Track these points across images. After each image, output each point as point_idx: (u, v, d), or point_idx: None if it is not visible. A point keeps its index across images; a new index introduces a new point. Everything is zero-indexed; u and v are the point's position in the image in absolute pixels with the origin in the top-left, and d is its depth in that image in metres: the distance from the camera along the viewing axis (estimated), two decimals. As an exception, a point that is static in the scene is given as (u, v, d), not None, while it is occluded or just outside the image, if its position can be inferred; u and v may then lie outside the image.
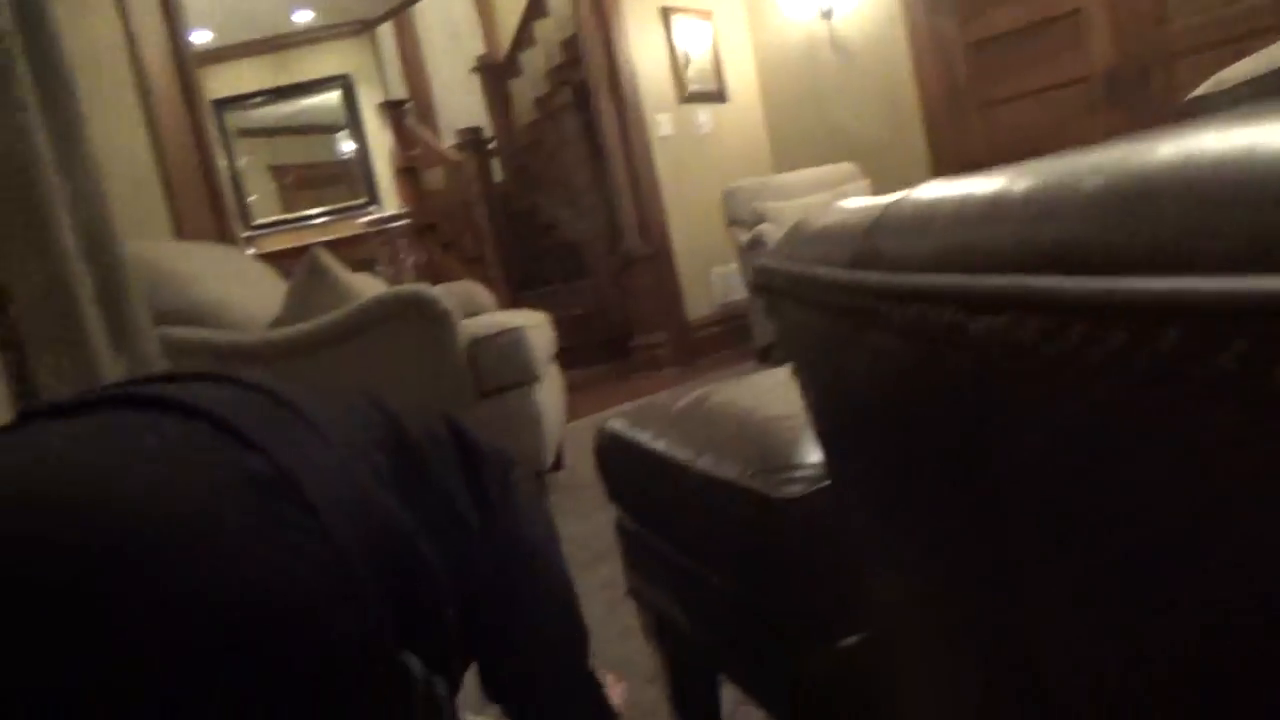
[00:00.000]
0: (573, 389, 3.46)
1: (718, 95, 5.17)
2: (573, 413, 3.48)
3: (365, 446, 0.72)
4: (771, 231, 3.93)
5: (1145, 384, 0.21)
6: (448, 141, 6.49)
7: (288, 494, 0.59)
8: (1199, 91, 0.89)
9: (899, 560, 0.41)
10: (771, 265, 0.44)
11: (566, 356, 3.57)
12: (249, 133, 7.54)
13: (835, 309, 0.33)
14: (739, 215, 4.39)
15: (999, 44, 4.30)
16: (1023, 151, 0.51)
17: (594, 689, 0.98)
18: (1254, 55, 0.88)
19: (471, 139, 5.90)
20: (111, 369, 1.40)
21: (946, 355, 0.26)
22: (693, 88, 5.01)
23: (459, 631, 0.73)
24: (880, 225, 0.32)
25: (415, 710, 0.62)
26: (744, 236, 4.26)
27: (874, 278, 0.29)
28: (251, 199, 7.45)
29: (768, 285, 0.48)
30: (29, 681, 0.48)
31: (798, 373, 0.51)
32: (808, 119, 5.10)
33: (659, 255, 4.88)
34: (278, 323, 2.51)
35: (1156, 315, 0.20)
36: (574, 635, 0.95)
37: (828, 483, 0.74)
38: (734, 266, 4.75)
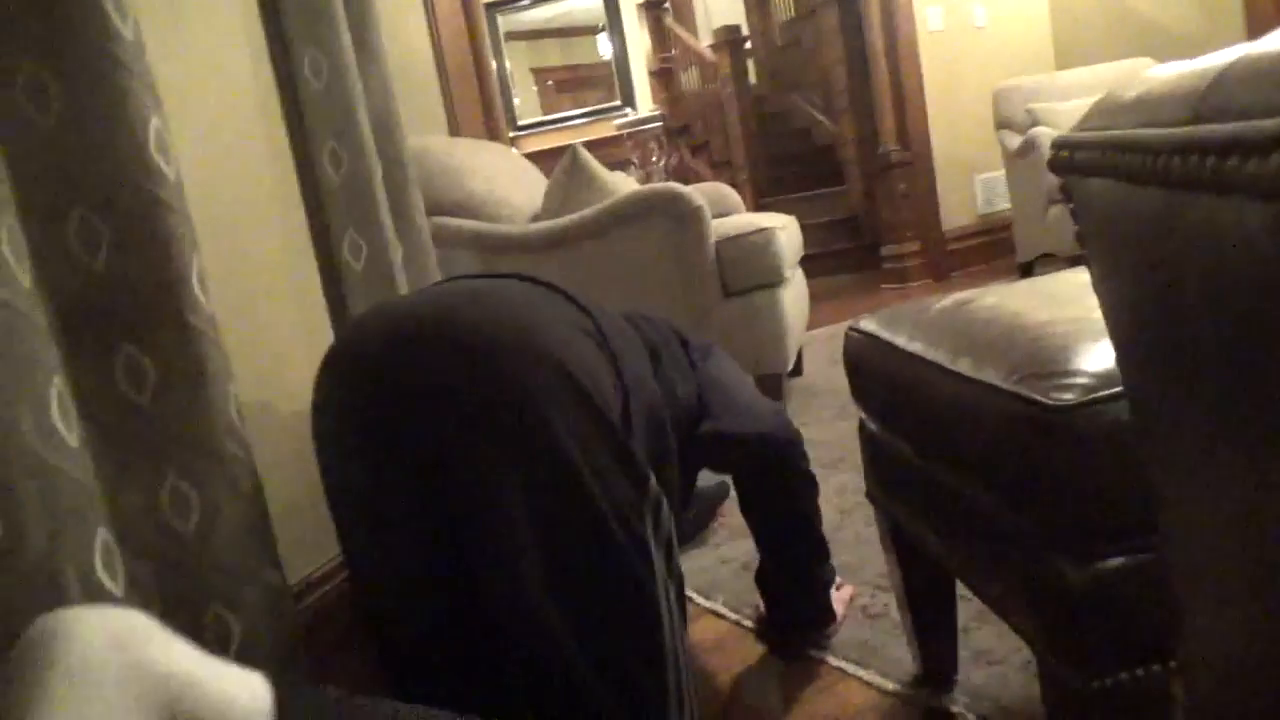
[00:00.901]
0: (816, 297, 3.39)
1: (997, -16, 4.73)
2: (814, 321, 3.43)
3: (638, 343, 1.15)
4: (1047, 135, 3.59)
5: None
6: (705, 41, 6.42)
7: (604, 346, 0.99)
8: None
9: (1212, 477, 0.37)
10: (1077, 138, 0.40)
11: (812, 264, 3.49)
12: (514, 35, 7.86)
13: (1164, 176, 0.29)
14: (1010, 117, 4.04)
15: (1357, -89, 3.60)
16: None
17: (799, 453, 1.33)
18: None
19: (728, 38, 5.79)
20: (395, 252, 1.54)
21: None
22: (970, -24, 4.62)
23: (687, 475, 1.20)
24: (1229, 76, 0.28)
25: (646, 504, 0.95)
26: (1014, 141, 3.93)
27: (1227, 128, 0.25)
28: (516, 101, 7.80)
29: (1070, 163, 0.44)
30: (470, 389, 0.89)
31: (1095, 263, 0.47)
32: (1101, 8, 4.55)
33: (917, 160, 4.61)
34: (539, 217, 2.64)
35: None
36: (780, 428, 1.32)
37: (1104, 392, 0.68)
38: (1000, 174, 4.40)
